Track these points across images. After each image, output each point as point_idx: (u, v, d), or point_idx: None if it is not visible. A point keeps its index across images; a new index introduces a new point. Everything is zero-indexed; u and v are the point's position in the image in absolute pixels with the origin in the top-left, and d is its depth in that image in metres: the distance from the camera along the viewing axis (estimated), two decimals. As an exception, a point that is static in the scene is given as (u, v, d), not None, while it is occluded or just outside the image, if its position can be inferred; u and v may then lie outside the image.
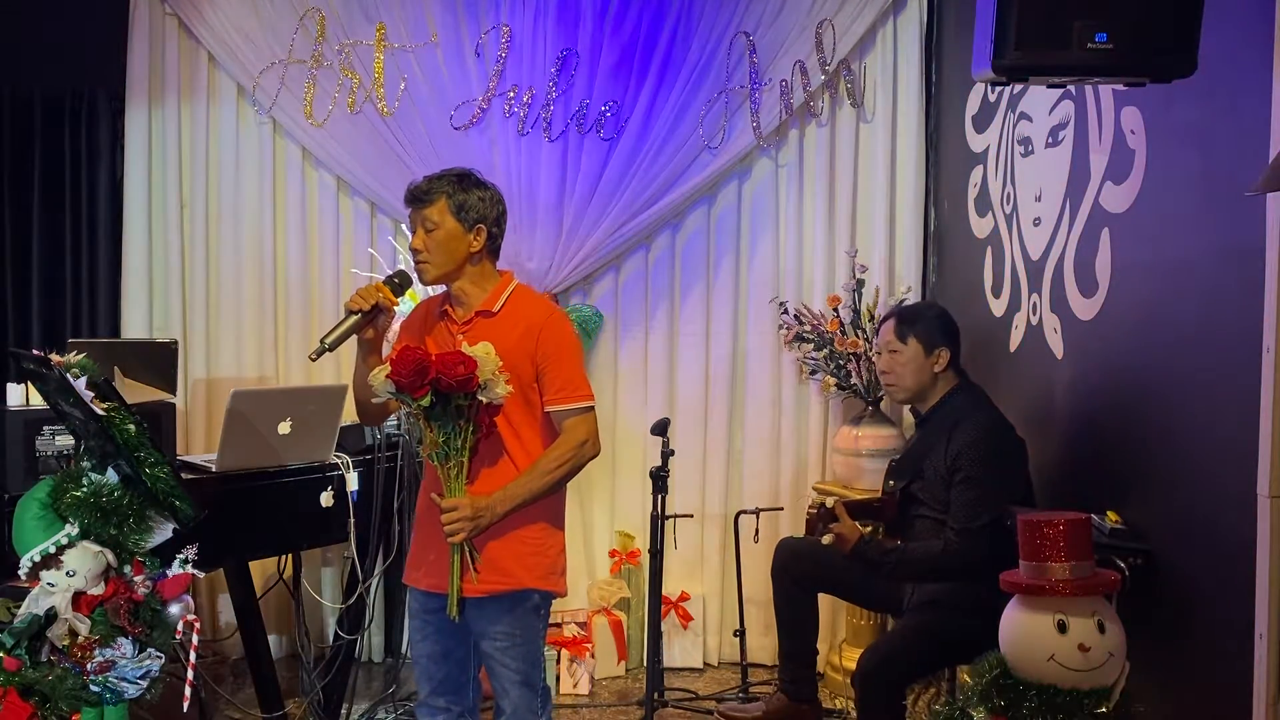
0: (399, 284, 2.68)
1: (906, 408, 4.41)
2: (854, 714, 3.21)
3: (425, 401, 2.40)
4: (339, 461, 3.42)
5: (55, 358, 2.50)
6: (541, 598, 2.66)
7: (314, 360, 2.62)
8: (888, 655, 3.08)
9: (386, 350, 2.71)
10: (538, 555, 2.63)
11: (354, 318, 2.58)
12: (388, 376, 2.42)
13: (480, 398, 2.44)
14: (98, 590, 2.44)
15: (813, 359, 4.28)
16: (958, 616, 3.06)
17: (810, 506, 3.34)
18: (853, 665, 3.17)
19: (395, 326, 3.17)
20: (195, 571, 2.52)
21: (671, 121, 4.35)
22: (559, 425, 2.63)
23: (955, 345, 3.32)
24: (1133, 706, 2.21)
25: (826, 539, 3.24)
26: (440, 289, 2.81)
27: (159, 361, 3.84)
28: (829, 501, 3.31)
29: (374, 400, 2.52)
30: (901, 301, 4.16)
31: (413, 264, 2.67)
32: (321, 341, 2.56)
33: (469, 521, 2.49)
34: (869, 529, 3.59)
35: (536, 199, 4.37)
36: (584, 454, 2.61)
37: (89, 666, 2.37)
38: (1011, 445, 3.16)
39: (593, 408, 2.65)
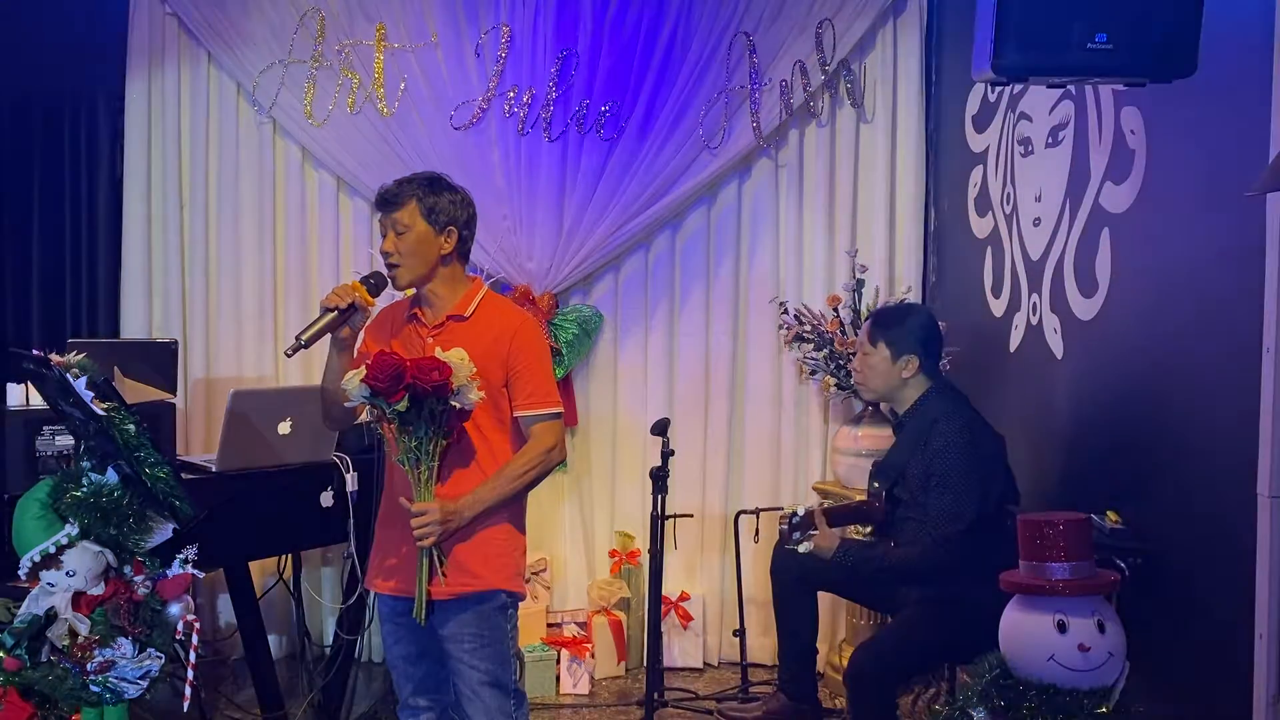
0: (375, 284, 2.68)
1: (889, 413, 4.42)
2: (853, 714, 3.21)
3: (401, 406, 2.41)
4: (339, 461, 3.42)
5: (55, 358, 2.50)
6: (509, 597, 2.67)
7: (289, 356, 2.65)
8: (879, 653, 3.09)
9: None
10: (503, 557, 2.65)
11: (330, 315, 2.59)
12: (363, 380, 2.42)
13: (453, 403, 2.46)
14: (98, 590, 2.44)
15: (813, 359, 4.28)
16: (951, 615, 3.06)
17: (781, 518, 3.34)
18: (852, 665, 3.17)
19: None
20: (195, 571, 2.52)
21: (671, 121, 4.35)
22: (526, 431, 2.66)
23: (930, 354, 3.28)
24: (1133, 706, 2.21)
25: (804, 547, 3.24)
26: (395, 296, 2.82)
27: (159, 361, 3.85)
28: (800, 509, 3.30)
29: (346, 404, 2.53)
30: (902, 300, 4.17)
31: (384, 268, 2.68)
32: (297, 338, 2.57)
33: (439, 525, 2.51)
34: (868, 531, 3.59)
35: (536, 199, 4.37)
36: (551, 460, 2.65)
37: (89, 666, 2.37)
38: (986, 445, 3.14)
39: (560, 414, 2.69)
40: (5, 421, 3.20)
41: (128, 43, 4.35)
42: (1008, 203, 3.69)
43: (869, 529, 3.51)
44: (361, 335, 2.74)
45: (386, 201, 2.64)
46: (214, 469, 3.26)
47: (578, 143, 4.38)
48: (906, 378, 3.27)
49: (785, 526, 3.28)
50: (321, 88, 4.36)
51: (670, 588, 4.31)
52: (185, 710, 2.45)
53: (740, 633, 4.18)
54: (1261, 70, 2.29)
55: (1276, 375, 2.25)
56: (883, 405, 4.19)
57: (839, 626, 4.35)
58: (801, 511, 3.28)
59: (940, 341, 3.35)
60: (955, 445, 3.08)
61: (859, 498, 3.61)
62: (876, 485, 3.36)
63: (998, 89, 3.66)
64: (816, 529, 3.25)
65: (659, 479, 3.79)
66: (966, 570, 3.02)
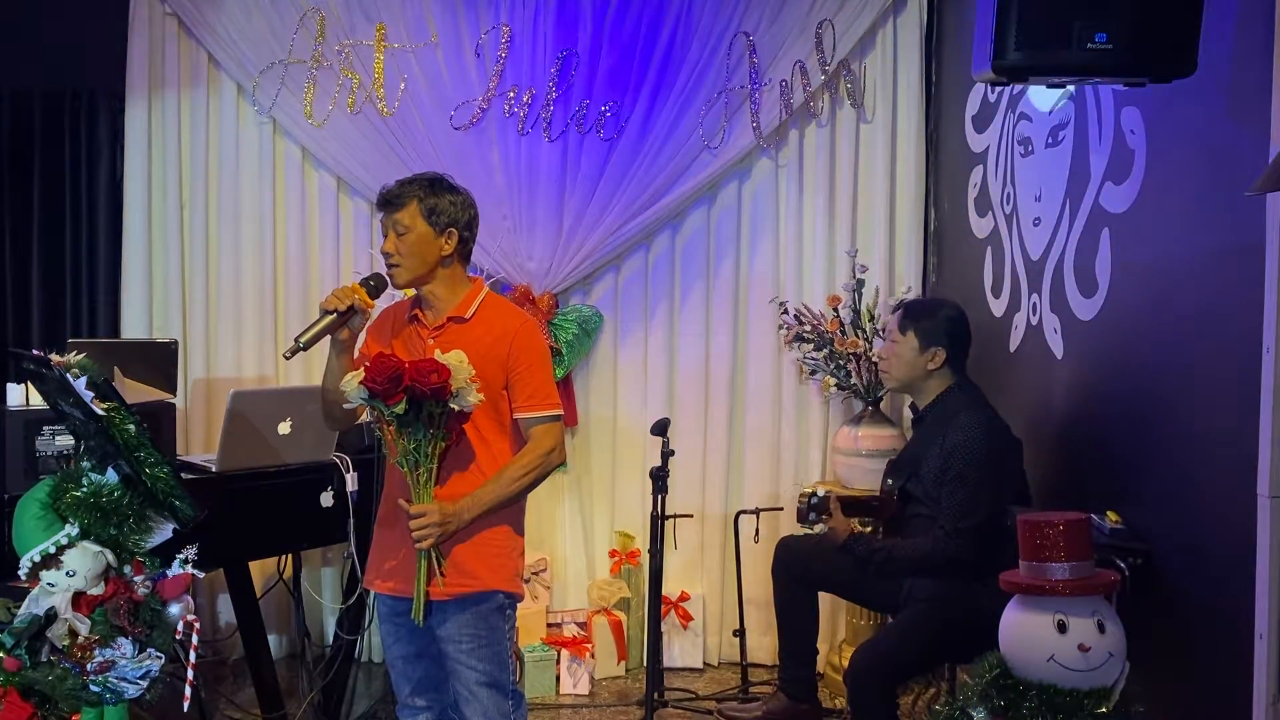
0: (375, 286, 2.68)
1: (906, 408, 4.42)
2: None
3: (399, 409, 2.40)
4: (339, 461, 3.42)
5: (55, 358, 2.50)
6: (506, 598, 2.67)
7: (288, 359, 2.64)
8: (880, 653, 3.10)
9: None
10: (501, 558, 2.65)
11: (329, 317, 2.58)
12: (361, 383, 2.42)
13: (452, 405, 2.45)
14: (98, 590, 2.44)
15: (813, 359, 4.28)
16: (951, 614, 3.07)
17: (801, 496, 3.36)
18: (852, 665, 3.17)
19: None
20: (195, 571, 2.51)
21: (671, 122, 4.35)
22: (526, 433, 2.66)
23: (958, 348, 3.30)
24: (1133, 706, 2.21)
25: (818, 528, 3.27)
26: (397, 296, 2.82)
27: (159, 361, 3.85)
28: (820, 491, 3.33)
29: (345, 406, 2.53)
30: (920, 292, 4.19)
31: (384, 268, 2.68)
32: (296, 340, 2.56)
33: (437, 528, 2.50)
34: (869, 528, 3.60)
35: (536, 199, 4.37)
36: (550, 462, 2.65)
37: (89, 666, 2.37)
38: (1005, 445, 3.15)
39: (560, 416, 2.68)
40: (5, 421, 3.20)
41: (128, 43, 4.35)
42: (1008, 203, 3.69)
43: (878, 525, 3.51)
44: (362, 336, 2.74)
45: (388, 202, 2.64)
46: (214, 469, 3.26)
47: (578, 143, 4.38)
48: (931, 370, 3.28)
49: (804, 505, 3.31)
50: (321, 88, 4.36)
51: (670, 588, 4.32)
52: (185, 710, 2.44)
53: (740, 633, 4.18)
54: (1261, 70, 2.29)
55: (1276, 375, 2.25)
56: (882, 405, 4.21)
57: (839, 626, 4.35)
58: (821, 493, 3.31)
59: (968, 339, 3.35)
60: (975, 441, 3.08)
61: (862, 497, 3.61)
62: (890, 483, 3.37)
63: (998, 89, 3.67)
64: (831, 514, 3.27)
65: (659, 479, 3.79)
66: (969, 569, 3.02)
